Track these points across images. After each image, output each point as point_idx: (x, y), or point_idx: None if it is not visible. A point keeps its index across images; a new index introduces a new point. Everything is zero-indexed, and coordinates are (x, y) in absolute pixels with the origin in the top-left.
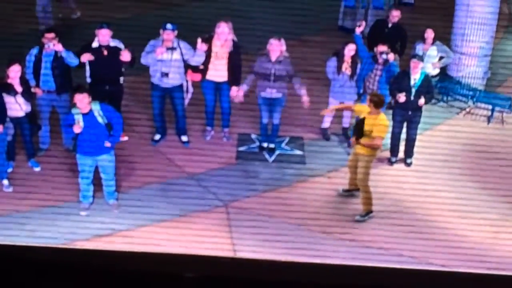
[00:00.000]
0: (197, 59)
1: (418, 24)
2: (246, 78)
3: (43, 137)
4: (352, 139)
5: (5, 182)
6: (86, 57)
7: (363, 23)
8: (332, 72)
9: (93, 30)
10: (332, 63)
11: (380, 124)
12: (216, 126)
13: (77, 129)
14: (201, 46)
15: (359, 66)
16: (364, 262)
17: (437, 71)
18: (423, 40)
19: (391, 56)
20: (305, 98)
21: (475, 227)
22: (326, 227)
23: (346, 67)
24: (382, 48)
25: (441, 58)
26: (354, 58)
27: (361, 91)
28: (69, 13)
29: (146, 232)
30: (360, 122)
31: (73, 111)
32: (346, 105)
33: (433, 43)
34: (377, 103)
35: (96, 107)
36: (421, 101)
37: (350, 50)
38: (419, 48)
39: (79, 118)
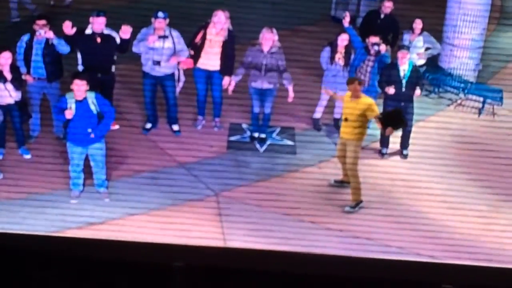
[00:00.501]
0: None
1: (410, 15)
2: (236, 71)
3: (34, 124)
4: (389, 129)
5: None
6: (71, 31)
7: (347, 14)
8: (325, 61)
9: (85, 17)
10: (326, 52)
11: (368, 103)
12: (208, 116)
13: (68, 114)
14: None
15: (352, 56)
16: (354, 253)
17: (422, 61)
18: (412, 30)
19: (383, 47)
20: (291, 94)
21: (465, 218)
22: (316, 217)
23: (339, 57)
24: (374, 39)
25: (427, 49)
26: (347, 48)
27: None
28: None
29: (136, 221)
30: (397, 112)
31: (67, 96)
32: (340, 96)
33: (420, 34)
34: (362, 82)
35: (91, 95)
36: (417, 92)
37: (343, 40)
38: (406, 38)
39: (71, 104)
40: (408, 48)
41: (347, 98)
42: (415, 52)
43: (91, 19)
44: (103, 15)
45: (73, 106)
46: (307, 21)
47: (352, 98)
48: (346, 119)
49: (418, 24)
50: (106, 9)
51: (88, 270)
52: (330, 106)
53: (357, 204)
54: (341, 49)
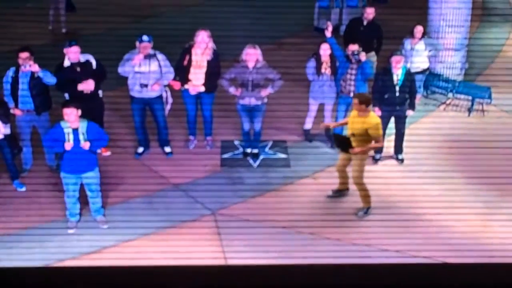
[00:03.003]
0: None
1: (393, 19)
2: (221, 83)
3: (26, 157)
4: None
5: None
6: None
7: (330, 24)
8: (311, 73)
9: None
10: (311, 64)
11: (374, 122)
12: (199, 135)
13: (68, 146)
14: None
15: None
16: (356, 260)
17: (427, 65)
18: (412, 35)
19: (363, 56)
20: (270, 91)
21: (463, 217)
22: (315, 228)
23: (325, 67)
24: (352, 47)
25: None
26: (332, 58)
27: (338, 90)
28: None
29: (135, 246)
30: (340, 138)
31: (63, 124)
32: (342, 121)
33: (421, 38)
34: (366, 102)
35: (83, 125)
36: (418, 96)
37: (324, 49)
38: (408, 43)
39: (69, 134)
40: (401, 53)
41: (353, 116)
42: (418, 56)
43: (65, 50)
44: (75, 44)
45: (71, 136)
46: (290, 34)
47: (359, 116)
48: (353, 134)
49: (418, 30)
50: (88, 37)
51: None
52: (320, 117)
53: (368, 208)
54: (325, 58)
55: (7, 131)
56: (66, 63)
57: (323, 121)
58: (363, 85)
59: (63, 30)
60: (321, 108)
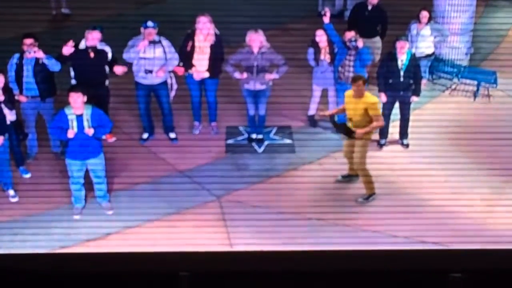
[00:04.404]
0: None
1: (398, 4)
2: (225, 69)
3: (31, 144)
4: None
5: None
6: (68, 51)
7: (327, 10)
8: (312, 59)
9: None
10: (311, 50)
11: (371, 102)
12: (204, 121)
13: (71, 134)
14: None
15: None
16: (362, 246)
17: (432, 50)
18: (418, 20)
19: (360, 42)
20: (273, 76)
21: (469, 202)
22: (320, 213)
23: (324, 54)
24: (349, 34)
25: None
26: (331, 44)
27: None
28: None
29: (140, 232)
30: (338, 125)
31: (66, 111)
32: (339, 108)
33: (427, 23)
34: (355, 80)
35: (87, 111)
36: (423, 81)
37: (319, 35)
38: (414, 28)
39: (73, 121)
40: (407, 38)
41: (349, 98)
42: (423, 41)
43: (86, 32)
44: (100, 30)
45: (75, 122)
46: (294, 19)
47: (354, 97)
48: (350, 119)
49: (424, 15)
50: (99, 22)
51: (95, 285)
52: (325, 103)
53: (370, 195)
54: (323, 45)
55: (13, 117)
56: (82, 45)
57: (327, 107)
58: (361, 72)
59: (62, 10)
60: (325, 94)
